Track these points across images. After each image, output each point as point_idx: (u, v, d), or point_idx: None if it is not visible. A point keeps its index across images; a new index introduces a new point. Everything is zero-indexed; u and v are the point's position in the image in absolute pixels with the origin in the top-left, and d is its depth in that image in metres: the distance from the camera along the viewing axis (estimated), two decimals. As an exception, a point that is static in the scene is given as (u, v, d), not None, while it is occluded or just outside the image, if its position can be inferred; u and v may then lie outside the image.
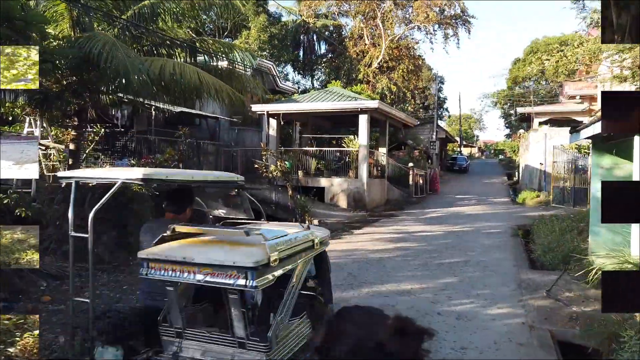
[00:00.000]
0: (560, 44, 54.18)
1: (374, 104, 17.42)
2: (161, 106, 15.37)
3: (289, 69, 39.97)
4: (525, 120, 41.13)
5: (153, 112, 15.93)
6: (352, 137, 19.09)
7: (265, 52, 31.96)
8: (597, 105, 31.70)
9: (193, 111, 17.10)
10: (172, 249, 2.77)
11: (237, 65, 14.46)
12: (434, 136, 37.94)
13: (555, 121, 32.84)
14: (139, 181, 3.30)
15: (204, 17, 37.32)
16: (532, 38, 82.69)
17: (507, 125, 62.54)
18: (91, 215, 3.21)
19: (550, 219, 12.42)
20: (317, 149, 19.91)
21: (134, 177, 3.23)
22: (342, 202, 18.16)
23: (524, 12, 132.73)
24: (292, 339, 2.98)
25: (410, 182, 22.39)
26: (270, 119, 19.67)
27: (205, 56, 12.94)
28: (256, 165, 14.00)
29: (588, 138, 7.74)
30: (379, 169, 19.94)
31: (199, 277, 2.57)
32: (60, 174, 4.09)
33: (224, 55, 11.49)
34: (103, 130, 11.88)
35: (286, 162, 14.51)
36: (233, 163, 20.34)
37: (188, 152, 14.47)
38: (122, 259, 10.55)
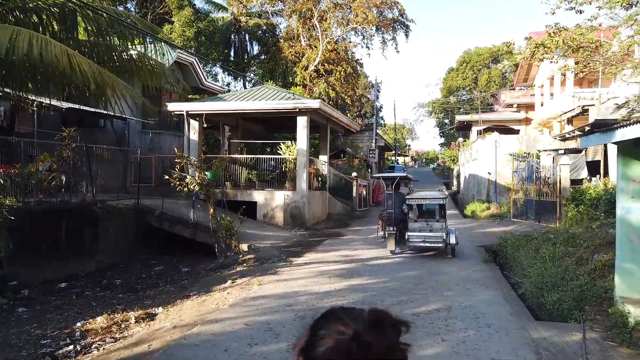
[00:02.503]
0: (491, 55, 55.32)
1: (314, 103, 14.91)
2: (44, 102, 12.03)
3: (218, 69, 36.70)
4: (463, 129, 40.78)
5: (35, 109, 12.41)
6: (289, 142, 16.46)
7: (191, 50, 28.54)
8: (535, 114, 31.55)
9: (88, 109, 13.65)
10: (416, 195, 11.39)
11: (151, 52, 11.45)
12: (373, 144, 36.25)
13: (492, 129, 32.38)
14: (402, 177, 12.27)
15: (120, 8, 33.17)
16: (464, 49, 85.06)
17: (441, 134, 62.99)
18: None
19: (526, 239, 10.50)
20: (248, 156, 17.03)
21: (402, 175, 12.54)
22: (279, 219, 15.43)
23: (457, 23, 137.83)
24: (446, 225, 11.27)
25: (354, 194, 20.11)
26: (192, 121, 16.54)
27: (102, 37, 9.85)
28: (167, 177, 10.91)
29: (615, 143, 5.64)
30: (320, 179, 17.44)
31: (426, 202, 11.10)
32: (376, 175, 17.98)
33: (118, 19, 8.37)
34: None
35: (207, 173, 11.56)
36: (145, 172, 16.94)
37: (75, 159, 11.06)
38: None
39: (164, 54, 16.89)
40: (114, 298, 8.73)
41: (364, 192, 22.33)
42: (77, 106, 12.84)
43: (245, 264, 10.07)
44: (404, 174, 12.87)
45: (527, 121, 33.33)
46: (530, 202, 15.18)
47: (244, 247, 11.47)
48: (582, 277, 6.97)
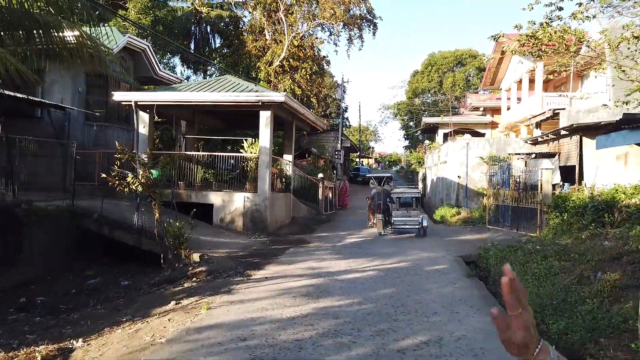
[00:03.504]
0: (456, 59, 55.57)
1: (279, 97, 13.58)
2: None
3: (176, 61, 34.68)
4: (428, 131, 40.43)
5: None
6: (251, 139, 15.07)
7: (147, 39, 26.52)
8: (501, 118, 31.37)
9: (16, 95, 11.80)
10: (397, 190, 15.70)
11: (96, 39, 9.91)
12: (339, 145, 35.24)
13: (458, 132, 32.02)
14: (387, 177, 16.46)
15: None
16: (429, 52, 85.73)
17: (406, 136, 62.84)
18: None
19: (509, 250, 9.58)
20: (204, 153, 15.49)
21: (388, 175, 16.92)
22: (237, 224, 14.01)
23: (421, 26, 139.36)
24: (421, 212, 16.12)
25: (320, 197, 18.90)
26: (141, 113, 14.86)
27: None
28: (104, 175, 9.31)
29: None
30: (284, 180, 16.12)
31: (406, 195, 15.06)
32: (369, 175, 22.63)
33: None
34: None
35: (152, 171, 10.03)
36: (89, 169, 15.15)
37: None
38: None
39: (105, 34, 15.08)
40: (28, 323, 7.12)
41: (330, 195, 21.17)
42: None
43: (195, 279, 8.64)
44: (390, 175, 17.06)
45: (494, 125, 33.18)
46: (505, 208, 14.42)
47: (196, 257, 10.00)
48: (590, 300, 5.98)
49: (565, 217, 10.60)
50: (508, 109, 29.30)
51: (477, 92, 46.46)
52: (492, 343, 5.28)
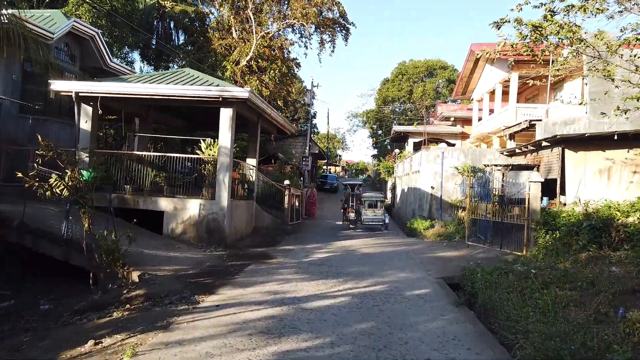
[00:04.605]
0: (427, 68, 55.41)
1: (243, 92, 12.10)
2: None
3: (136, 55, 32.57)
4: (398, 140, 39.74)
5: None
6: (210, 140, 13.52)
7: (101, 31, 24.33)
8: (472, 129, 30.87)
9: None
10: (366, 194, 20.42)
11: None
12: (307, 151, 33.94)
13: (428, 141, 31.34)
14: (359, 184, 23.96)
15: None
16: (399, 60, 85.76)
17: (374, 145, 62.19)
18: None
19: (498, 272, 8.43)
20: (156, 154, 13.77)
21: (359, 183, 25.22)
22: (191, 234, 12.40)
23: (392, 35, 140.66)
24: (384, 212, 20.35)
25: (286, 205, 17.45)
26: (84, 106, 13.04)
27: None
28: (19, 174, 7.59)
29: None
30: (247, 186, 14.59)
31: (373, 198, 19.83)
32: (344, 182, 27.49)
33: None
34: None
35: (82, 172, 8.35)
36: (21, 168, 13.12)
37: None
38: None
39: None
40: None
41: (297, 203, 19.77)
42: None
43: (129, 305, 7.03)
44: (360, 182, 23.17)
45: (464, 135, 32.70)
46: (486, 222, 13.42)
47: (135, 276, 8.37)
48: (618, 347, 4.80)
49: (557, 236, 9.59)
50: (479, 119, 28.77)
51: (447, 103, 46.30)
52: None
